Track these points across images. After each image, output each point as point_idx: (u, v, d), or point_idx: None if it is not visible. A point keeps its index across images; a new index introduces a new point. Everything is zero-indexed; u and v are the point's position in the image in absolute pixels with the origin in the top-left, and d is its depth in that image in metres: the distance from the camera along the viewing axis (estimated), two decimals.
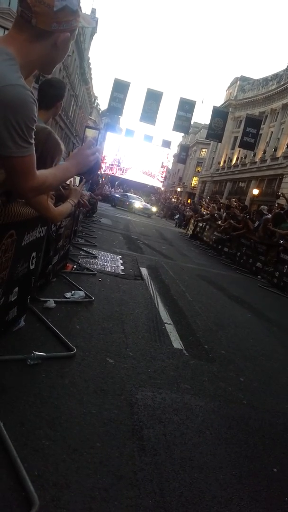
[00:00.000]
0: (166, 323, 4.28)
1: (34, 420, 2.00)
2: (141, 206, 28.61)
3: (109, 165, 43.74)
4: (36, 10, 1.22)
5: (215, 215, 15.27)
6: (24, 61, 1.25)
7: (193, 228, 18.48)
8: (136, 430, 2.19)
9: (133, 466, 1.89)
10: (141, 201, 30.27)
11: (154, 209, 31.39)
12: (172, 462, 2.01)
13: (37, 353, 2.53)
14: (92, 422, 2.13)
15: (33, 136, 1.30)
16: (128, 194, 31.68)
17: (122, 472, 1.83)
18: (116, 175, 43.34)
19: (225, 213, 14.28)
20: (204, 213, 17.21)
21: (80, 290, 4.35)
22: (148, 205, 30.42)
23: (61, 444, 1.88)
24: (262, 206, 13.42)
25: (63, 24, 1.27)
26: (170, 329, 4.11)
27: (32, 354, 2.51)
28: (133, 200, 28.81)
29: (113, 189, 34.79)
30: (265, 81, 38.22)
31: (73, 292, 4.21)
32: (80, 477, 1.72)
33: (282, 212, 11.10)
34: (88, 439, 1.98)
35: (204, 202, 22.38)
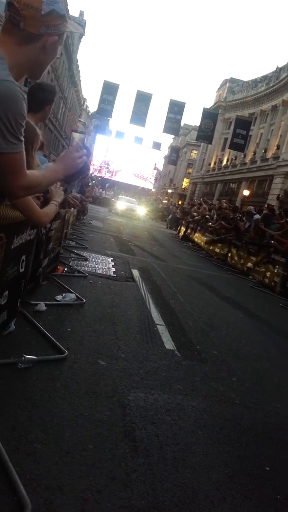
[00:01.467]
0: (158, 324, 4.28)
1: (26, 423, 1.98)
2: (124, 208, 24.81)
3: (98, 167, 43.47)
4: (24, 14, 1.23)
5: (206, 216, 15.34)
6: (13, 63, 1.26)
7: (184, 229, 18.55)
8: (128, 431, 2.19)
9: (125, 468, 1.89)
10: (125, 202, 26.70)
11: (140, 210, 26.79)
12: (165, 462, 2.02)
13: (28, 356, 2.52)
14: (84, 425, 2.12)
15: (23, 133, 1.29)
16: (120, 196, 30.22)
17: (114, 473, 1.83)
18: (105, 177, 43.21)
19: (216, 214, 14.35)
20: (195, 214, 17.26)
21: (71, 292, 4.33)
22: (133, 206, 26.34)
23: (53, 447, 1.87)
24: (249, 207, 13.51)
25: (51, 27, 1.28)
26: (162, 330, 4.12)
27: (23, 358, 2.49)
28: (116, 201, 26.74)
29: (104, 191, 34.74)
30: (254, 82, 38.51)
31: (64, 294, 4.20)
32: (72, 479, 1.72)
33: (270, 213, 11.20)
34: (80, 442, 1.98)
35: (195, 202, 22.44)
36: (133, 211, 24.93)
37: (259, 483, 2.10)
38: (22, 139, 1.28)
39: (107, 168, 44.95)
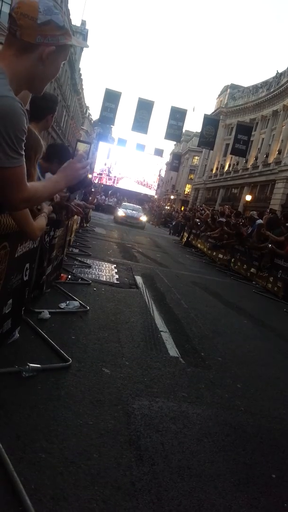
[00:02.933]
0: (161, 331, 4.28)
1: (31, 433, 1.98)
2: (123, 215, 22.18)
3: (98, 174, 43.17)
4: (20, 23, 1.26)
5: (208, 221, 15.34)
6: (13, 76, 1.28)
7: (187, 235, 18.55)
8: (133, 440, 2.18)
9: (131, 477, 1.88)
10: (126, 209, 23.67)
11: (143, 217, 23.93)
12: (170, 471, 2.00)
13: (32, 365, 2.52)
14: (89, 434, 2.12)
15: (23, 148, 1.31)
16: (124, 203, 27.54)
17: (120, 483, 1.82)
18: (107, 184, 43.14)
19: (217, 221, 14.34)
20: (197, 221, 17.26)
21: (75, 300, 4.34)
22: (135, 213, 23.25)
23: (58, 457, 1.87)
24: (252, 212, 13.50)
25: (48, 37, 1.30)
26: (166, 337, 4.11)
27: (27, 366, 2.49)
28: (118, 208, 24.29)
29: (107, 198, 34.85)
30: (255, 88, 38.72)
31: (67, 302, 4.21)
32: (77, 489, 1.71)
33: (276, 216, 11.18)
34: (85, 451, 1.97)
35: (198, 208, 22.44)
36: (134, 219, 22.29)
37: (265, 491, 2.08)
38: (23, 153, 1.30)
39: (108, 175, 44.71)
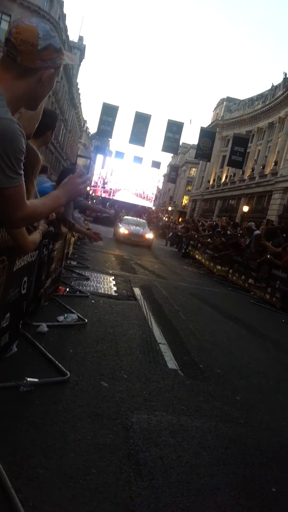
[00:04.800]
0: (160, 343, 4.27)
1: (28, 448, 1.97)
2: (126, 232, 17.79)
3: (91, 186, 42.68)
4: (21, 49, 1.28)
5: (207, 232, 15.41)
6: (11, 97, 1.31)
7: (185, 246, 18.58)
8: (132, 454, 2.16)
9: (129, 492, 1.87)
10: (128, 225, 18.89)
11: (150, 234, 19.14)
12: (169, 486, 1.99)
13: (30, 379, 2.51)
14: (87, 448, 2.10)
15: (22, 167, 1.33)
16: (125, 217, 21.48)
17: (118, 498, 1.81)
18: (106, 196, 43.02)
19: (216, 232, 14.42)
20: (194, 233, 17.30)
21: (73, 313, 4.34)
22: (140, 229, 18.86)
23: (56, 472, 1.86)
24: (250, 223, 13.57)
25: (47, 61, 1.34)
26: (165, 349, 4.10)
27: (25, 381, 2.49)
28: (119, 224, 19.10)
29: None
30: (251, 101, 39.17)
31: (65, 315, 4.20)
32: (76, 505, 1.70)
33: (274, 227, 11.24)
34: (84, 466, 1.96)
35: (195, 219, 22.49)
36: (140, 237, 18.05)
37: (265, 505, 2.06)
38: (22, 172, 1.32)
39: (103, 187, 44.35)
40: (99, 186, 44.07)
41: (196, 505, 1.90)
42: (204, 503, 1.93)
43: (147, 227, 20.31)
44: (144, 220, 22.52)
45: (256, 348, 5.24)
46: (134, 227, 18.90)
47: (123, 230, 17.94)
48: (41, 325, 3.62)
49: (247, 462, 2.41)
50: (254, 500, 2.07)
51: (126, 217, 21.61)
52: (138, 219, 22.21)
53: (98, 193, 42.94)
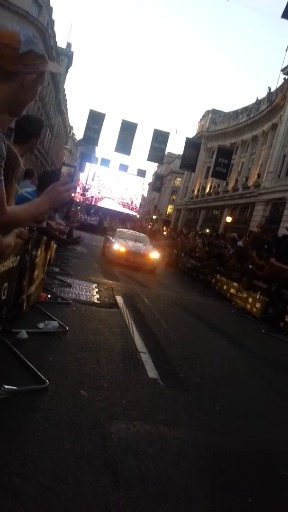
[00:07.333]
0: (141, 352, 4.27)
1: (4, 457, 1.94)
2: (123, 251, 12.83)
3: (76, 192, 42.04)
4: (2, 52, 1.30)
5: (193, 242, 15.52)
6: None
7: (168, 255, 18.67)
8: (109, 464, 2.15)
9: (106, 502, 1.86)
10: (125, 241, 13.66)
11: (154, 253, 13.65)
12: (146, 496, 1.98)
13: (7, 386, 2.48)
14: (64, 458, 2.08)
15: (2, 173, 1.34)
16: (118, 229, 16.43)
17: (95, 508, 1.79)
18: (84, 202, 42.71)
19: (200, 242, 14.55)
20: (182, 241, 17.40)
21: (54, 320, 4.30)
22: (141, 247, 13.73)
23: (33, 482, 1.83)
24: (233, 234, 13.72)
25: (29, 66, 1.36)
26: (145, 358, 4.10)
27: (3, 388, 2.45)
28: (112, 239, 13.97)
29: (88, 216, 34.87)
30: (236, 114, 39.92)
31: (46, 322, 4.17)
32: None
33: (261, 235, 11.39)
34: (61, 475, 1.94)
35: (180, 230, 22.65)
36: (141, 256, 13.12)
37: None
38: (1, 178, 1.33)
39: (83, 194, 43.66)
40: (78, 192, 43.50)
41: None
42: None
43: (149, 244, 14.97)
44: (144, 235, 17.04)
45: (236, 358, 5.29)
46: (133, 243, 13.83)
47: (118, 247, 13.02)
48: (21, 332, 3.58)
49: (224, 471, 2.42)
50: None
51: (119, 229, 16.83)
52: (136, 232, 17.11)
53: (77, 199, 42.25)
